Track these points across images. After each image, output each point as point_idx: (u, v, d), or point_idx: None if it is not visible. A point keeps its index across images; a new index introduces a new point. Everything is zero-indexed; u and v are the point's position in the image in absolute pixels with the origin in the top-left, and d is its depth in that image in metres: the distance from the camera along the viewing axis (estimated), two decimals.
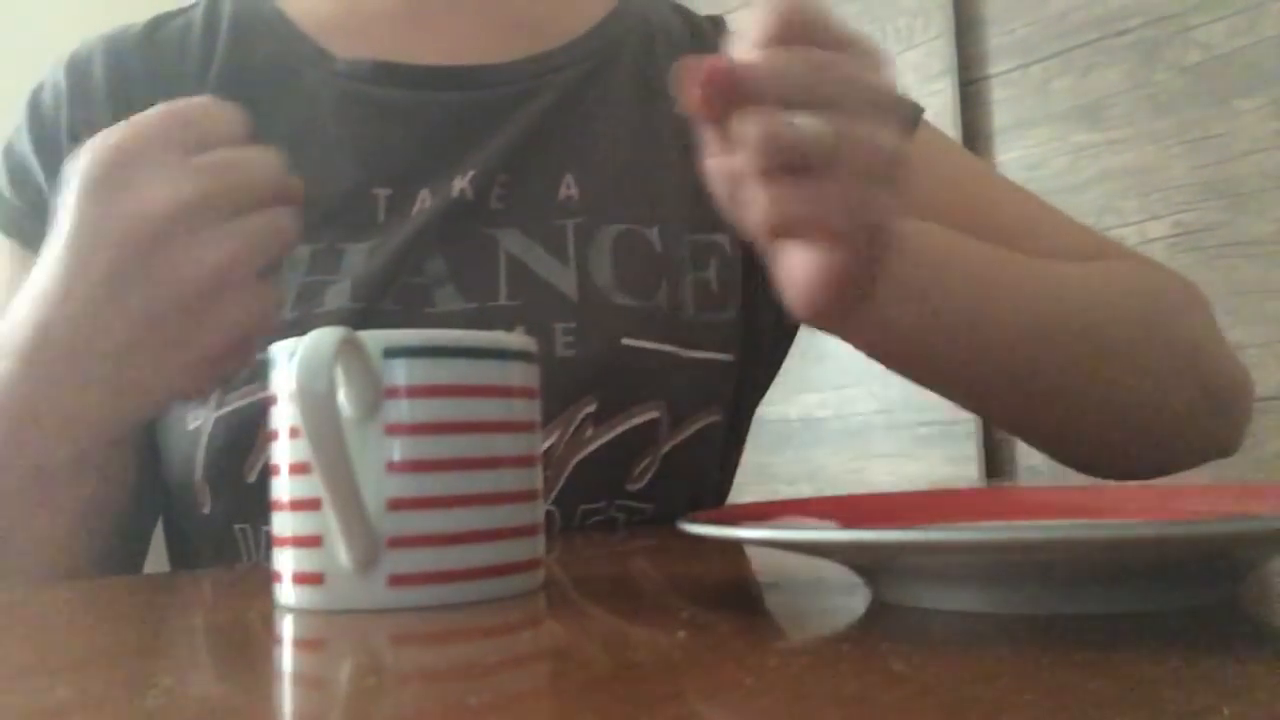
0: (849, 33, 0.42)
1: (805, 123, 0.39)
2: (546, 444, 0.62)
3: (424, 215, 0.65)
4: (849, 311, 0.47)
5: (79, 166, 0.46)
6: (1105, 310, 0.60)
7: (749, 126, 0.39)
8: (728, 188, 0.42)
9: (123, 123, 0.47)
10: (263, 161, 0.48)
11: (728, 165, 0.42)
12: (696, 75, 0.40)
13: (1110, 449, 0.61)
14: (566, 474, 0.62)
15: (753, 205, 0.41)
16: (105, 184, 0.46)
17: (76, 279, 0.46)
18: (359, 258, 0.63)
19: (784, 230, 0.41)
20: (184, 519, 0.64)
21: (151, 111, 0.47)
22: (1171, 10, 1.60)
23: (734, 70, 0.39)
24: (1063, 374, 0.57)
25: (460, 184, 0.66)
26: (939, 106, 1.81)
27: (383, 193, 0.66)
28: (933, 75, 1.88)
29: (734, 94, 0.40)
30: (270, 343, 0.37)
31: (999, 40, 1.81)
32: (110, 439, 0.51)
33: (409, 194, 0.66)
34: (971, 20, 1.84)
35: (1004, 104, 1.80)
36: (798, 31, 0.40)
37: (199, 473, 0.61)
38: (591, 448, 0.63)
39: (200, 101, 0.48)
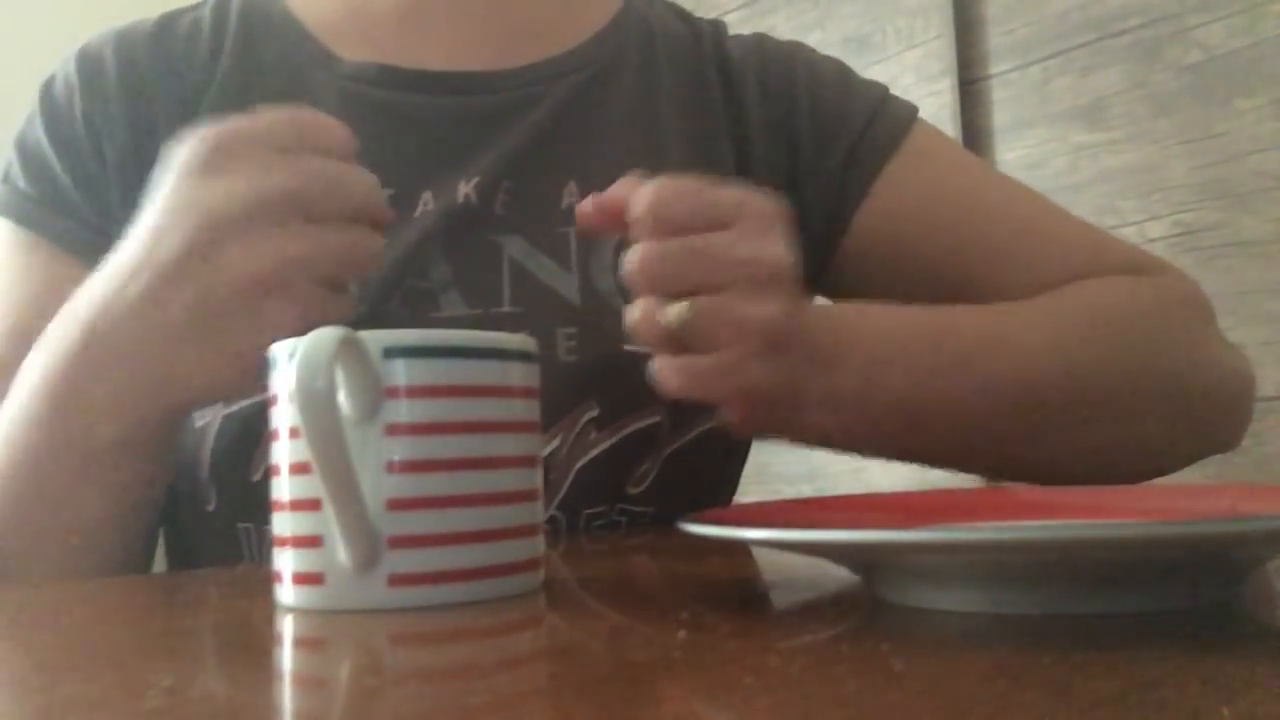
0: (732, 203, 0.48)
1: (671, 309, 0.46)
2: (549, 449, 0.62)
3: (429, 219, 0.65)
4: (780, 428, 0.53)
5: (178, 151, 0.48)
6: (1069, 356, 0.58)
7: (628, 314, 0.48)
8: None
9: (234, 116, 0.48)
10: (356, 179, 0.48)
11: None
12: (595, 210, 0.50)
13: (1088, 477, 0.61)
14: (570, 479, 0.63)
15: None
16: (196, 171, 0.47)
17: (146, 260, 0.47)
18: None
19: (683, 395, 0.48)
20: (187, 516, 0.64)
21: (263, 111, 0.48)
22: (1171, 10, 1.60)
23: (618, 205, 0.49)
24: (1026, 438, 0.57)
25: (465, 189, 0.66)
26: (939, 106, 1.81)
27: (385, 194, 0.66)
28: (933, 75, 1.88)
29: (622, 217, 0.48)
30: None
31: (999, 40, 1.81)
32: (153, 425, 0.51)
33: (411, 195, 0.66)
34: (971, 20, 1.84)
35: (1004, 104, 1.80)
36: (675, 220, 0.47)
37: (205, 470, 0.61)
38: (594, 452, 0.63)
39: (312, 114, 0.49)
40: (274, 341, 0.46)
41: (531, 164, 0.68)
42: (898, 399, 0.54)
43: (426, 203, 0.66)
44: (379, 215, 0.49)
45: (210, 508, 0.62)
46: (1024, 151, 1.77)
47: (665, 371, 0.48)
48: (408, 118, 0.68)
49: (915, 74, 1.89)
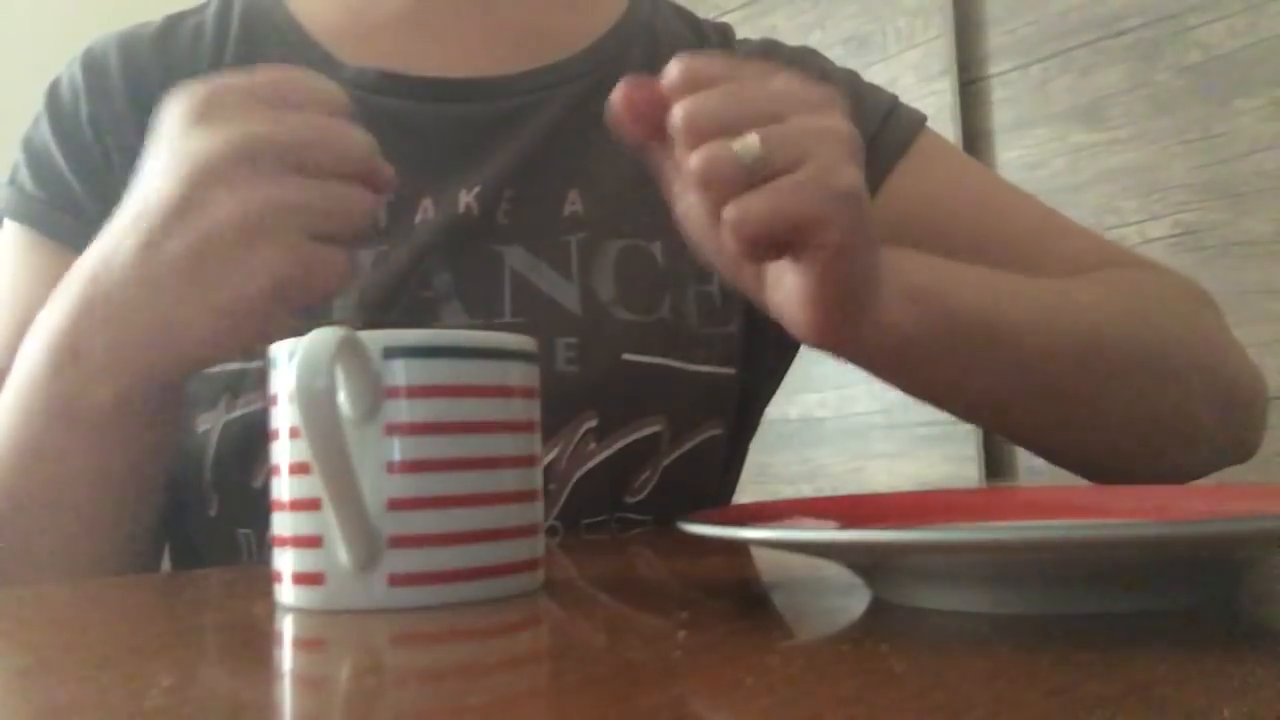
0: (768, 67, 0.45)
1: (742, 140, 0.41)
2: (549, 458, 0.62)
3: (429, 228, 0.64)
4: (853, 321, 0.47)
5: (171, 106, 0.48)
6: (1121, 320, 0.59)
7: (693, 160, 0.41)
8: (703, 235, 0.45)
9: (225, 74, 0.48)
10: (347, 135, 0.47)
11: (695, 210, 0.44)
12: (626, 102, 0.44)
13: (1131, 461, 0.60)
14: (569, 489, 0.62)
15: (724, 233, 0.42)
16: (186, 123, 0.46)
17: (142, 211, 0.47)
18: (365, 268, 0.63)
19: (760, 241, 0.42)
20: (189, 520, 0.64)
21: (254, 71, 0.48)
22: (1171, 10, 1.60)
23: (656, 88, 0.43)
24: (1081, 384, 0.57)
25: (466, 199, 0.65)
26: (939, 106, 1.81)
27: (384, 199, 0.66)
28: (933, 75, 1.88)
29: (661, 111, 0.43)
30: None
31: (999, 40, 1.81)
32: (150, 386, 0.50)
33: (410, 202, 0.65)
34: (971, 20, 1.84)
35: (1004, 104, 1.80)
36: (715, 76, 0.43)
37: (207, 475, 0.61)
38: (593, 462, 0.63)
39: (303, 73, 0.49)
40: (264, 290, 0.45)
41: (533, 172, 0.67)
42: (966, 310, 0.53)
43: (426, 210, 0.65)
44: (375, 175, 0.48)
45: (212, 513, 0.62)
46: (1024, 151, 1.77)
47: (749, 205, 0.41)
48: (408, 125, 0.67)
49: (915, 74, 1.90)
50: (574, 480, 0.62)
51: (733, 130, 0.42)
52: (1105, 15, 1.67)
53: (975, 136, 1.81)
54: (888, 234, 0.69)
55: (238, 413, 0.60)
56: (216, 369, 0.61)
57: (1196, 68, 1.58)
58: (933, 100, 1.82)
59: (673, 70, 0.43)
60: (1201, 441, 0.62)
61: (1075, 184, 1.70)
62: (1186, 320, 0.63)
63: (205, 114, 0.46)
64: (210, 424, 0.61)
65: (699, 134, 0.42)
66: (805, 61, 0.75)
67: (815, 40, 1.97)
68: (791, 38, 0.79)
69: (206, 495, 0.62)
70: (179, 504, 0.64)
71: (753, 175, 0.41)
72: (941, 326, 0.51)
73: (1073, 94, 1.71)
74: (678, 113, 0.42)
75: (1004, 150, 1.79)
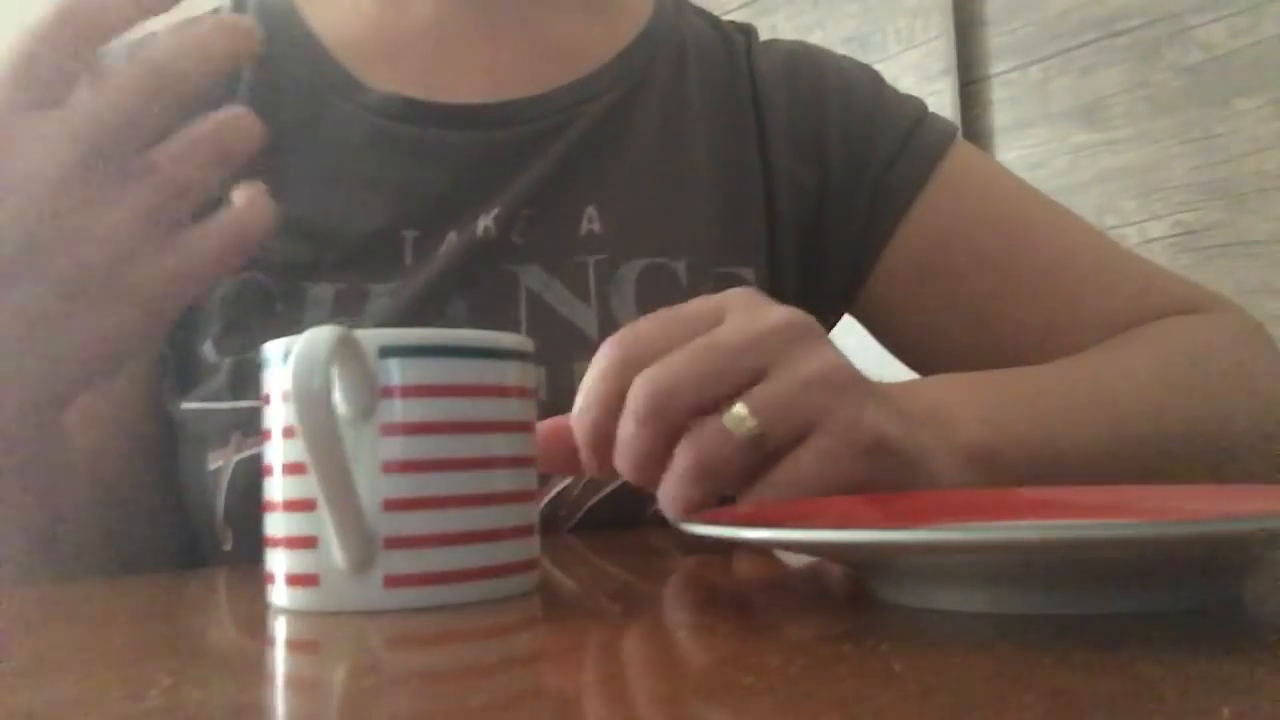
0: (694, 310, 0.42)
1: (730, 417, 0.39)
2: (563, 484, 0.60)
3: (447, 255, 0.63)
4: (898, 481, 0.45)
5: None
6: (1178, 411, 0.57)
7: (683, 452, 0.39)
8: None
9: None
10: (159, 80, 0.38)
11: (682, 503, 0.41)
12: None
13: None
14: (579, 516, 0.61)
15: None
16: (5, 103, 0.39)
17: None
18: (383, 300, 0.62)
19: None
20: (205, 553, 0.63)
21: (13, 44, 0.39)
22: (1171, 10, 1.60)
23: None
24: (1138, 474, 0.54)
25: (485, 221, 0.64)
26: (939, 106, 1.80)
27: (410, 234, 0.64)
28: (933, 75, 1.88)
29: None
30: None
31: (999, 40, 1.81)
32: (49, 405, 0.45)
33: (437, 235, 0.64)
34: (971, 20, 1.84)
35: (1004, 104, 1.80)
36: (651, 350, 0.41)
37: (220, 514, 0.60)
38: (608, 489, 0.61)
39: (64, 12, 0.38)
40: (145, 308, 0.40)
41: (552, 190, 0.66)
42: (1028, 448, 0.51)
43: (451, 241, 0.64)
44: (230, 128, 0.40)
45: (227, 548, 0.61)
46: (1024, 151, 1.77)
47: (786, 486, 0.39)
48: (435, 154, 0.66)
49: (915, 74, 1.90)
50: (585, 508, 0.61)
51: (696, 405, 0.38)
52: (1105, 15, 1.68)
53: (975, 136, 1.81)
54: (908, 269, 0.68)
55: (250, 451, 0.59)
56: (226, 405, 0.60)
57: (1196, 68, 1.58)
58: (933, 100, 1.81)
59: (608, 352, 0.40)
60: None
61: (1075, 184, 1.70)
62: (1239, 373, 0.60)
63: (26, 85, 0.38)
64: (221, 462, 0.59)
65: (665, 414, 0.38)
66: (825, 71, 0.73)
67: (815, 40, 1.97)
68: (791, 38, 0.79)
69: (220, 533, 0.60)
70: (194, 537, 0.63)
71: (755, 452, 0.38)
72: (1001, 478, 0.50)
73: (1073, 94, 1.71)
74: (631, 405, 0.39)
75: (1004, 150, 1.79)
